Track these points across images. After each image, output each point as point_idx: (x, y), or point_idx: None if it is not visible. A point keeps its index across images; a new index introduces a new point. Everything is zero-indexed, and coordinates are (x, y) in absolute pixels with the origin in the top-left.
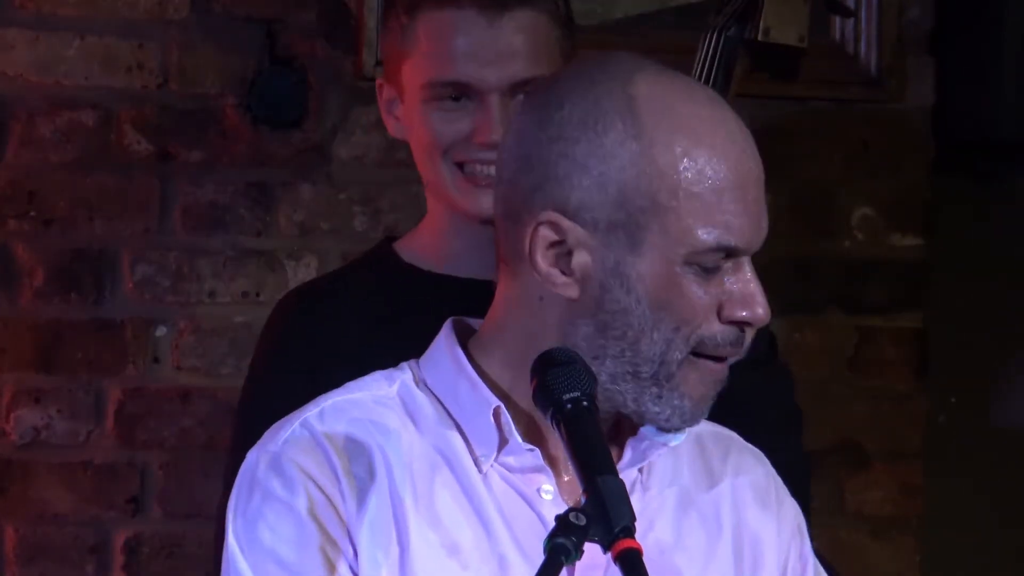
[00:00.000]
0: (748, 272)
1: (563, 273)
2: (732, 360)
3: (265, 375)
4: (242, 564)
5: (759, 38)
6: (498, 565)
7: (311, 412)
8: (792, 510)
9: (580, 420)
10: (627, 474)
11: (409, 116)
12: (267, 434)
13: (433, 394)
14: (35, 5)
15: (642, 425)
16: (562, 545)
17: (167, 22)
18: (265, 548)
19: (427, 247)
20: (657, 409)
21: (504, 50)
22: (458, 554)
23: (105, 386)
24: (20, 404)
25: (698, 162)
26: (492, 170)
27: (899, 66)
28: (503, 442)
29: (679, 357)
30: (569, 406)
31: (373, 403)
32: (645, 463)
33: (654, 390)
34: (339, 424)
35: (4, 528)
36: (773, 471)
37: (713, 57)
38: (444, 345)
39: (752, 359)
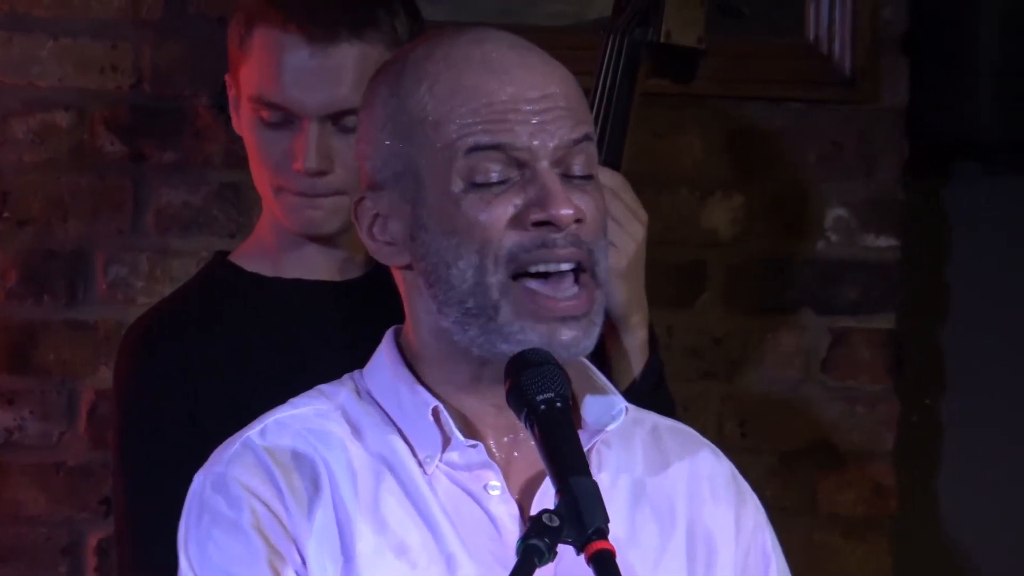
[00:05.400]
0: (545, 178)
1: (389, 244)
2: (569, 293)
3: (148, 435)
4: None
5: (662, 40)
6: (446, 564)
7: (253, 430)
8: (753, 506)
9: (553, 421)
10: None
11: (242, 122)
12: (212, 456)
13: (376, 402)
14: (8, 6)
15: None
16: (535, 546)
17: (140, 23)
18: (217, 568)
19: (267, 253)
20: (506, 347)
21: (326, 78)
22: (406, 554)
23: (78, 387)
24: None
25: (444, 93)
26: (308, 196)
27: (873, 67)
28: (446, 441)
29: (495, 282)
30: (543, 407)
31: (315, 416)
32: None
33: (492, 326)
34: (281, 440)
35: None
36: (732, 467)
37: (618, 59)
38: (384, 353)
39: (644, 390)
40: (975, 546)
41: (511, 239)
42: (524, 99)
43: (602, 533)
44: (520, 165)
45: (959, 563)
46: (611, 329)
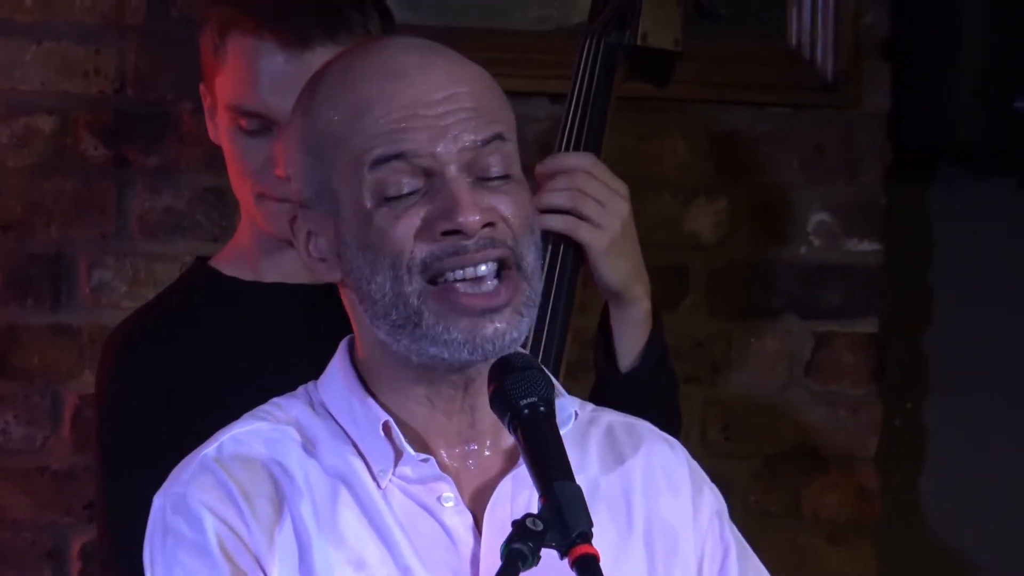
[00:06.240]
0: (452, 186)
1: (321, 260)
2: (488, 288)
3: (129, 439)
4: None
5: (638, 43)
6: None
7: (209, 448)
8: (711, 495)
9: (537, 425)
10: (521, 470)
11: (220, 130)
12: (170, 476)
13: (331, 415)
14: None
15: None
16: (519, 550)
17: (124, 27)
18: None
19: (246, 258)
20: (435, 350)
21: (302, 83)
22: (364, 569)
23: (62, 391)
24: None
25: (346, 107)
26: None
27: (855, 71)
28: (398, 455)
29: (412, 290)
30: (526, 411)
31: (271, 431)
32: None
33: (418, 332)
34: (238, 456)
35: None
36: (688, 457)
37: (594, 63)
38: (338, 365)
39: (649, 363)
40: (958, 549)
41: (423, 250)
42: (424, 102)
43: (586, 537)
44: (427, 174)
45: (942, 566)
46: (611, 304)
